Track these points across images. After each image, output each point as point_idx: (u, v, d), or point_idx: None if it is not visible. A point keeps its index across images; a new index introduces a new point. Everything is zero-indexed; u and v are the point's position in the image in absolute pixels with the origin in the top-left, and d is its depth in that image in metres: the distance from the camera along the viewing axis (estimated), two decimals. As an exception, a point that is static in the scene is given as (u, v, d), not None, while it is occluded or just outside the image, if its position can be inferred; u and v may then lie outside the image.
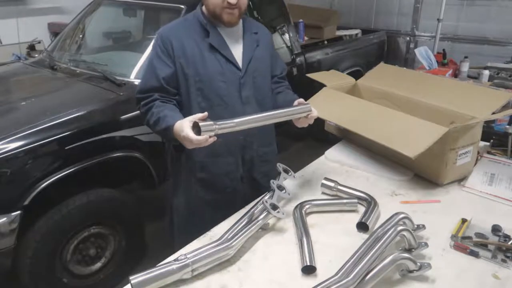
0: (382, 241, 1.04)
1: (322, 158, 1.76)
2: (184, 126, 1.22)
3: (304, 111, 1.38)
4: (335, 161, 1.71)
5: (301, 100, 1.46)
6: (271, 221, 1.27)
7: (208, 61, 1.43)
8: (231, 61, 1.45)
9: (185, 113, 1.38)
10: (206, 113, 1.22)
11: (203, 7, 1.48)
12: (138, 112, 1.52)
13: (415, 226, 1.19)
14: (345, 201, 1.38)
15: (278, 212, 1.22)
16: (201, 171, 1.54)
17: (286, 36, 3.35)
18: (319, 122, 1.89)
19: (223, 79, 1.44)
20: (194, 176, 1.56)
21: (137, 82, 2.13)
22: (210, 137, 1.20)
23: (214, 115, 1.29)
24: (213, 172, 1.54)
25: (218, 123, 1.20)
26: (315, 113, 1.41)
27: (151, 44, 1.50)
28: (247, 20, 1.56)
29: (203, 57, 1.42)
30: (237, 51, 1.48)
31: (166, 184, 1.83)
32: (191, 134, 1.20)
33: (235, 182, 1.57)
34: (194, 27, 1.46)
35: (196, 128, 1.20)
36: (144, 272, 0.99)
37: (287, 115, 1.37)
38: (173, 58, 1.42)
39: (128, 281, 0.98)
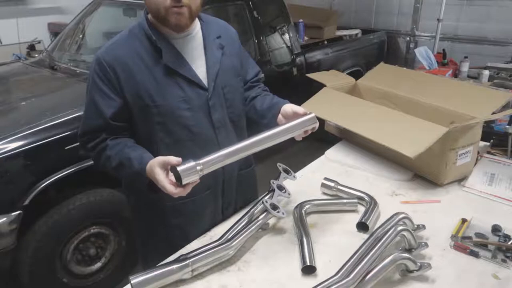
0: (382, 241, 1.04)
1: (322, 158, 1.76)
2: (156, 176, 1.01)
3: (310, 123, 1.14)
4: (335, 161, 1.71)
5: (295, 108, 1.20)
6: (271, 221, 1.27)
7: (166, 88, 1.15)
8: (194, 81, 1.19)
9: (148, 151, 1.16)
10: (179, 159, 0.99)
11: (149, 14, 1.19)
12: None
13: (415, 226, 1.19)
14: (345, 201, 1.38)
15: (278, 212, 1.22)
16: (174, 217, 1.29)
17: (286, 36, 3.36)
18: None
19: (187, 106, 1.18)
20: (164, 221, 1.31)
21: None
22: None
23: (181, 151, 1.10)
24: (189, 215, 1.29)
25: (201, 162, 0.98)
26: (316, 124, 1.18)
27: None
28: (206, 22, 1.28)
29: (158, 83, 1.15)
30: (200, 66, 1.22)
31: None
32: (169, 187, 0.99)
33: (214, 216, 1.35)
34: (142, 44, 1.16)
35: (176, 175, 0.99)
36: (144, 272, 0.99)
37: (290, 132, 1.12)
38: (119, 89, 1.14)
39: (128, 281, 0.98)
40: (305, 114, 1.17)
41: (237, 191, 1.40)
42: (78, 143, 1.24)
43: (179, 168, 0.96)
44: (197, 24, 1.24)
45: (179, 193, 1.00)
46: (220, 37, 1.28)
